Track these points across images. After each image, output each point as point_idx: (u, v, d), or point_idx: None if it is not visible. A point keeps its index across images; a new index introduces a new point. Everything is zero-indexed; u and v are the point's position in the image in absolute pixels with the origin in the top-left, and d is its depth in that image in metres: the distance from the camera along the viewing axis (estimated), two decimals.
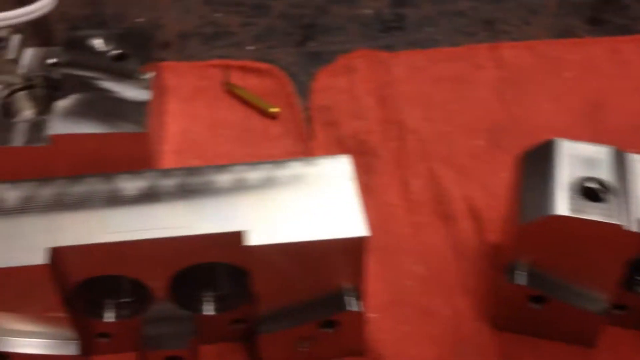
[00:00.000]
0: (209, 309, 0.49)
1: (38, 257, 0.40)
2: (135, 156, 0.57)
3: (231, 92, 0.70)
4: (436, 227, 0.59)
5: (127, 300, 0.48)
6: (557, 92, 0.71)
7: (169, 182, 0.45)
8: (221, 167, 0.46)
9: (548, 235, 0.46)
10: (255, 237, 0.42)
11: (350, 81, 0.72)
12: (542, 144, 0.50)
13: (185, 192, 0.45)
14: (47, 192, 0.44)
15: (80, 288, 0.45)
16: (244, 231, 0.42)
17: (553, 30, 0.79)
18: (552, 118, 0.68)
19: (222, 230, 0.42)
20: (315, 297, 0.47)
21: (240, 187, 0.45)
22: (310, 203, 0.45)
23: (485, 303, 0.54)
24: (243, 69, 0.73)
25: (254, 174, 0.46)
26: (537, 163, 0.49)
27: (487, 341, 0.52)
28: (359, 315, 0.47)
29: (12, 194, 0.44)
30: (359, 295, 0.47)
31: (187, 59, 0.75)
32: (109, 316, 0.48)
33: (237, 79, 0.72)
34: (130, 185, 0.45)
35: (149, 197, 0.44)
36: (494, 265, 0.56)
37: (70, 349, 0.46)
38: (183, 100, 0.70)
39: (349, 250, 0.44)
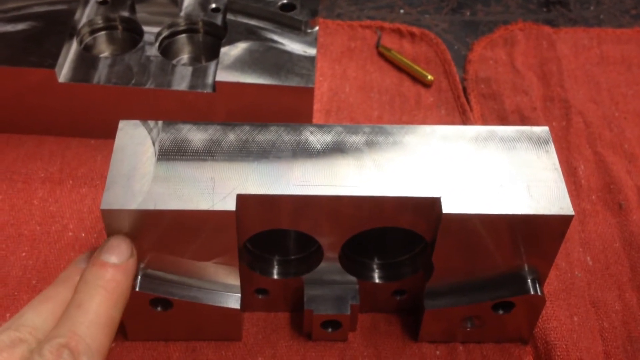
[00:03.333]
0: (375, 277, 0.46)
1: (229, 203, 0.39)
2: (298, 111, 0.55)
3: (384, 54, 0.68)
4: (605, 216, 0.55)
5: (294, 257, 0.46)
6: None
7: (355, 139, 0.43)
8: (410, 128, 0.43)
9: None
10: (451, 205, 0.40)
11: (509, 54, 0.68)
12: None
13: (373, 151, 0.42)
14: (232, 137, 0.42)
15: (250, 241, 0.44)
16: (440, 198, 0.40)
17: None
18: None
19: (417, 194, 0.40)
20: (492, 276, 0.44)
21: (429, 150, 0.42)
22: (508, 173, 0.41)
23: None
24: (397, 32, 0.70)
25: (445, 137, 0.43)
26: None
27: None
28: (540, 301, 0.44)
29: (197, 136, 0.42)
30: (541, 280, 0.44)
31: (336, 18, 0.72)
32: (275, 272, 0.46)
33: (389, 42, 0.69)
34: (317, 137, 0.43)
35: (335, 151, 0.42)
36: None
37: (232, 302, 0.44)
38: (333, 60, 0.67)
39: (550, 230, 0.40)
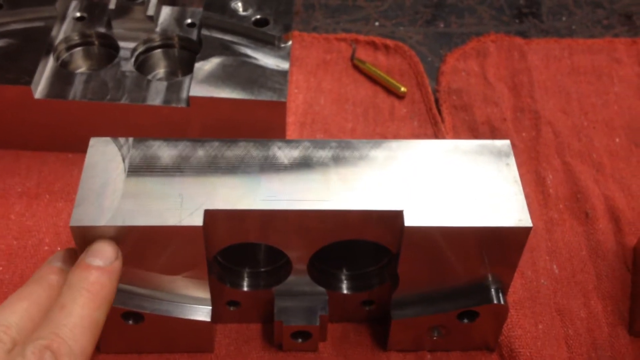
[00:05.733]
0: (343, 288, 0.47)
1: (196, 219, 0.40)
2: (271, 124, 0.56)
3: (359, 67, 0.69)
4: (572, 224, 0.56)
5: (263, 270, 0.47)
6: None
7: (322, 154, 0.44)
8: (376, 142, 0.45)
9: None
10: (414, 218, 0.41)
11: (481, 65, 0.69)
12: None
13: (339, 165, 0.43)
14: (201, 153, 0.43)
15: (220, 254, 0.45)
16: (402, 211, 0.41)
17: None
18: None
19: (380, 208, 0.41)
20: (457, 286, 0.45)
21: (394, 164, 0.44)
22: (469, 186, 0.43)
23: (623, 308, 0.51)
24: (372, 44, 0.71)
25: (410, 152, 0.44)
26: None
27: (624, 348, 0.49)
28: (503, 310, 0.45)
29: (166, 152, 0.43)
30: (504, 289, 0.45)
31: (312, 31, 0.73)
32: (245, 285, 0.47)
33: (364, 54, 0.70)
34: (284, 153, 0.44)
35: (302, 166, 0.43)
36: (633, 269, 0.53)
37: (203, 315, 0.45)
38: (308, 72, 0.69)
39: (510, 241, 0.42)
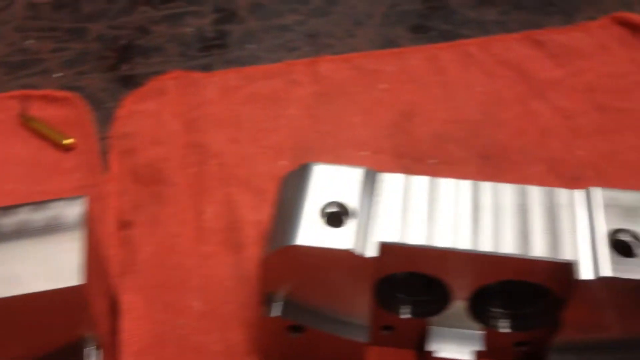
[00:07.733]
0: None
1: None
2: None
3: (26, 124, 0.67)
4: (224, 256, 0.56)
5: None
6: (369, 104, 0.69)
7: None
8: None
9: (291, 264, 0.43)
10: None
11: (159, 105, 0.69)
12: (298, 168, 0.47)
13: None
14: None
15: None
16: None
17: (377, 41, 0.77)
18: (359, 132, 0.66)
19: None
20: (51, 349, 0.43)
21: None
22: (30, 253, 0.41)
23: (257, 335, 0.51)
24: (44, 98, 0.69)
25: (12, 218, 0.43)
26: (291, 188, 0.46)
27: None
28: None
29: None
30: (99, 345, 0.44)
31: None
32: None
33: (37, 110, 0.68)
34: None
35: None
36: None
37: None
38: None
39: (65, 301, 0.40)
